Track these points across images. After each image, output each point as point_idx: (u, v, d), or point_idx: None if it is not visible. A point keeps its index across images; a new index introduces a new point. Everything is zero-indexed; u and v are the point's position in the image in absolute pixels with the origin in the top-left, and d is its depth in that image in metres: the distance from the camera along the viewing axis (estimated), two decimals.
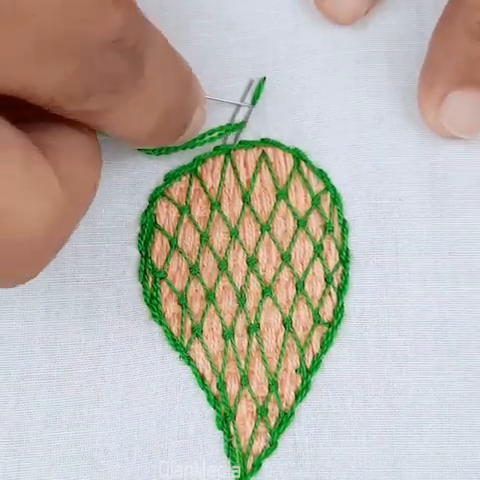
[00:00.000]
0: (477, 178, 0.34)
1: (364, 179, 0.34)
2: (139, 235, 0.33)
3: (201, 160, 0.34)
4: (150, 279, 0.33)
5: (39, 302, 0.32)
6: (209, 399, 0.31)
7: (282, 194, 0.34)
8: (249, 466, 0.31)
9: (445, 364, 0.32)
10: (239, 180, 0.34)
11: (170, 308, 0.32)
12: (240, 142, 0.34)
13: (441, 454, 0.31)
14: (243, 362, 0.32)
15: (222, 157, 0.34)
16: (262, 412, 0.31)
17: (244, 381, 0.32)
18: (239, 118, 0.35)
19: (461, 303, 0.33)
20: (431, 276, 0.33)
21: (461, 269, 0.33)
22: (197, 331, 0.32)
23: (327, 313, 0.32)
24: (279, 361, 0.32)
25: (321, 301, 0.32)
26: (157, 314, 0.32)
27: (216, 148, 0.34)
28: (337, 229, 0.33)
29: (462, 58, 0.32)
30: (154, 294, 0.32)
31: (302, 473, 0.31)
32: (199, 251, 0.33)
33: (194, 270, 0.33)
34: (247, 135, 0.35)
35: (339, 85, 0.35)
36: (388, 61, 0.35)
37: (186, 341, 0.32)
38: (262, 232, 0.33)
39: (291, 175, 0.34)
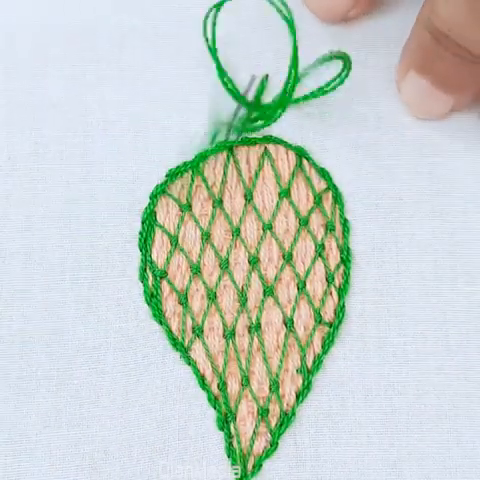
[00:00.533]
0: (476, 178, 0.34)
1: (365, 179, 0.34)
2: (139, 233, 0.33)
3: (203, 156, 0.34)
4: (150, 278, 0.32)
5: (38, 301, 0.32)
6: (209, 399, 0.31)
7: (284, 192, 0.33)
8: (250, 466, 0.31)
9: (445, 364, 0.32)
10: (241, 177, 0.34)
11: (170, 307, 0.32)
12: (242, 139, 0.34)
13: (441, 454, 0.31)
14: (244, 362, 0.32)
15: (224, 154, 0.34)
16: (263, 412, 0.31)
17: (245, 381, 0.31)
18: (242, 112, 0.35)
19: (461, 303, 0.33)
20: (431, 276, 0.33)
21: (461, 269, 0.33)
22: (198, 331, 0.32)
23: (328, 313, 0.32)
24: (280, 361, 0.32)
25: (322, 301, 0.32)
26: (157, 313, 0.32)
27: (218, 144, 0.34)
28: (338, 228, 0.33)
29: (419, 46, 0.33)
30: (154, 293, 0.32)
31: (303, 473, 0.31)
32: (200, 249, 0.33)
33: (195, 269, 0.32)
34: (249, 132, 0.34)
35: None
36: (388, 62, 0.36)
37: (186, 341, 0.32)
38: (264, 231, 0.33)
39: (293, 173, 0.34)
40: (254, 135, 0.34)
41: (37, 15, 0.37)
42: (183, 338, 0.32)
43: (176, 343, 0.32)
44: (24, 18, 0.36)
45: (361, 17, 0.36)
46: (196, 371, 0.31)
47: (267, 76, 0.35)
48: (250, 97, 0.35)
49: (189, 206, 0.33)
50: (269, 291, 0.32)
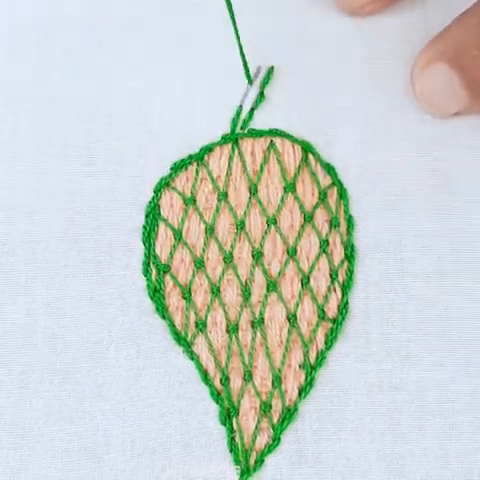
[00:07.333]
0: None
1: (369, 175, 0.34)
2: (143, 227, 0.33)
3: (208, 149, 0.33)
4: (154, 272, 0.32)
5: (42, 295, 0.32)
6: (212, 394, 0.31)
7: (289, 186, 0.33)
8: (252, 462, 0.31)
9: (448, 360, 0.32)
10: (246, 170, 0.33)
11: (174, 302, 0.32)
12: (248, 131, 0.34)
13: (443, 450, 0.31)
14: (247, 357, 0.32)
15: (229, 145, 0.34)
16: (265, 408, 0.31)
17: (247, 376, 0.31)
18: (247, 103, 0.34)
19: (463, 299, 0.33)
20: (434, 273, 0.33)
21: (463, 265, 0.33)
22: (201, 325, 0.32)
23: (332, 309, 0.32)
24: (283, 356, 0.32)
25: (326, 297, 0.32)
26: (160, 308, 0.32)
27: (224, 136, 0.34)
28: (343, 225, 0.33)
29: (466, 40, 0.33)
30: (157, 287, 0.32)
31: (305, 469, 0.31)
32: (204, 243, 0.33)
33: (198, 263, 0.32)
34: (255, 124, 0.34)
35: (346, 81, 0.35)
36: (393, 59, 0.36)
37: (189, 335, 0.32)
38: (268, 225, 0.33)
39: (299, 167, 0.34)
40: (260, 128, 0.34)
41: (41, 7, 0.36)
42: (186, 333, 0.32)
43: (179, 338, 0.32)
44: (28, 11, 0.36)
45: (367, 15, 0.36)
46: (199, 366, 0.31)
47: (272, 68, 0.35)
48: (256, 87, 0.35)
49: (193, 200, 0.33)
50: (273, 286, 0.32)
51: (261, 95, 0.34)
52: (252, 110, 0.34)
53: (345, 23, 0.36)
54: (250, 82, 0.34)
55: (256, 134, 0.34)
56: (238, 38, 0.32)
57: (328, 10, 0.36)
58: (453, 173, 0.34)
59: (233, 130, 0.34)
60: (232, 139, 0.34)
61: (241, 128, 0.34)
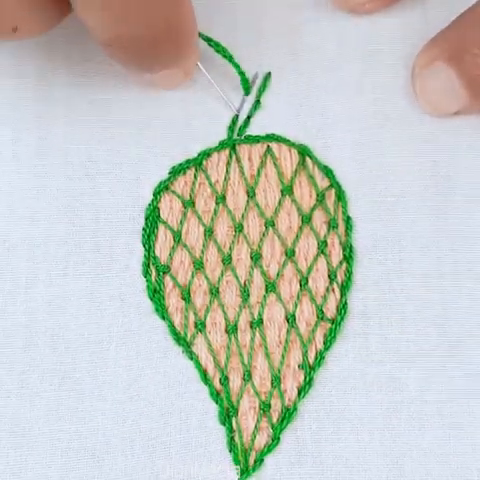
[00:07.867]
0: (479, 175, 0.34)
1: (368, 176, 0.34)
2: (143, 229, 0.33)
3: (206, 154, 0.34)
4: (153, 273, 0.33)
5: (42, 295, 0.32)
6: (211, 394, 0.31)
7: (287, 189, 0.34)
8: (251, 461, 0.31)
9: (447, 360, 0.32)
10: (243, 174, 0.34)
11: (173, 302, 0.32)
12: (245, 137, 0.34)
13: (443, 450, 0.31)
14: (246, 357, 0.32)
15: (227, 151, 0.34)
16: (264, 407, 0.31)
17: (247, 376, 0.31)
18: (245, 111, 0.35)
19: (463, 300, 0.33)
20: (433, 273, 0.33)
21: (463, 266, 0.33)
22: (200, 326, 0.32)
23: (330, 310, 0.32)
24: (282, 357, 0.32)
25: (324, 297, 0.32)
26: (160, 308, 0.32)
27: (221, 142, 0.34)
28: (341, 226, 0.33)
29: (466, 39, 0.33)
30: (157, 288, 0.32)
31: (304, 469, 0.31)
32: (203, 245, 0.33)
33: (197, 264, 0.33)
34: (252, 130, 0.35)
35: (344, 82, 0.35)
36: (392, 59, 0.36)
37: (189, 336, 0.32)
38: (266, 227, 0.33)
39: (296, 171, 0.34)
40: (257, 133, 0.34)
41: None
42: (185, 333, 0.32)
43: (178, 338, 0.32)
44: None
45: (366, 15, 0.36)
46: (198, 366, 0.32)
47: (269, 74, 0.35)
48: (253, 93, 0.35)
49: (192, 203, 0.34)
50: (271, 287, 0.32)
51: (257, 103, 0.35)
52: (248, 118, 0.35)
53: (344, 23, 0.36)
54: (247, 93, 0.35)
55: (253, 140, 0.34)
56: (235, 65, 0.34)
57: (326, 9, 0.36)
58: (453, 173, 0.34)
59: (230, 137, 0.34)
60: (229, 145, 0.34)
61: (238, 135, 0.35)
